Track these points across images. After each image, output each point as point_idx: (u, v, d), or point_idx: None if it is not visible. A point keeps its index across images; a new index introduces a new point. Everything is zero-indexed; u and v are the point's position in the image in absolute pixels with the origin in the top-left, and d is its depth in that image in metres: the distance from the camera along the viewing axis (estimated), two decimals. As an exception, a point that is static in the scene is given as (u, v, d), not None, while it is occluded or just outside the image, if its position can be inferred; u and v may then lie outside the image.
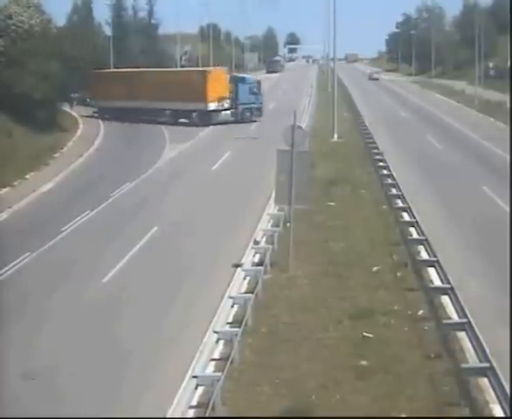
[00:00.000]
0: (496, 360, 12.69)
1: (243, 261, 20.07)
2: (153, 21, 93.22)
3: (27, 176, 36.20)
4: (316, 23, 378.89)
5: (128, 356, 15.18)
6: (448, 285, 16.79)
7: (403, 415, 12.34)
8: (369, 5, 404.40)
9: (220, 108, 55.36)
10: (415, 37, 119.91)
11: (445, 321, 15.41)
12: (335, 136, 45.67)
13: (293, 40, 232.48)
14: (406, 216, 24.27)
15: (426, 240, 20.66)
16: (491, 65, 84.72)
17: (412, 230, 22.60)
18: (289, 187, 19.94)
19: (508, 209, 24.91)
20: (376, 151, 37.56)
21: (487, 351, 13.05)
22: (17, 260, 21.97)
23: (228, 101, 55.66)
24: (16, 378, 14.33)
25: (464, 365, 13.51)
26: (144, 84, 58.38)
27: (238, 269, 19.16)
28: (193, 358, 13.86)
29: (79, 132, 53.79)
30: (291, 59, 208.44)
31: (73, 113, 60.68)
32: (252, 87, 57.12)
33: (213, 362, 14.26)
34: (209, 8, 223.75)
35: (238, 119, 55.57)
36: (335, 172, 32.78)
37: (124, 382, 14.13)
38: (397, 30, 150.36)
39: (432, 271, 18.84)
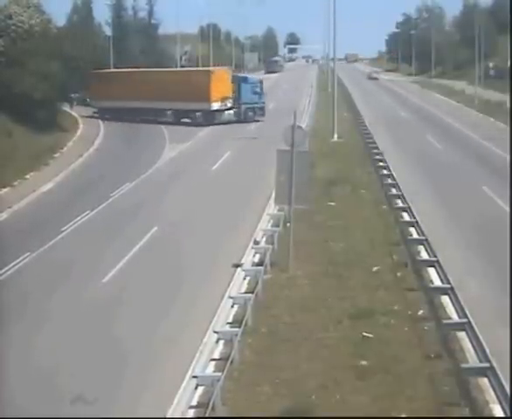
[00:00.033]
0: (496, 360, 12.70)
1: (243, 261, 20.07)
2: (153, 21, 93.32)
3: (27, 176, 36.21)
4: (316, 23, 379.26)
5: (128, 356, 15.18)
6: (448, 285, 16.79)
7: (403, 415, 12.34)
8: (369, 5, 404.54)
9: (223, 108, 55.50)
10: (415, 37, 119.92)
11: (445, 321, 15.42)
12: (335, 136, 45.68)
13: (293, 40, 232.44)
14: (406, 216, 24.27)
15: (426, 240, 20.67)
16: (491, 65, 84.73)
17: (412, 230, 22.61)
18: (289, 187, 19.94)
19: (508, 209, 24.91)
20: (376, 151, 37.57)
21: (487, 351, 13.05)
22: (17, 260, 21.98)
23: (231, 101, 55.80)
24: (16, 378, 14.33)
25: (464, 365, 13.51)
26: (146, 84, 58.29)
27: (238, 269, 19.16)
28: (193, 358, 13.87)
29: (79, 132, 53.78)
30: (291, 59, 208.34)
31: (73, 114, 60.66)
32: (255, 87, 57.31)
33: (213, 362, 14.26)
34: (209, 8, 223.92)
35: (241, 118, 55.69)
36: (335, 172, 32.78)
37: (124, 382, 14.13)
38: (397, 30, 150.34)
39: (432, 271, 18.84)
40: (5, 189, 33.49)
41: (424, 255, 20.22)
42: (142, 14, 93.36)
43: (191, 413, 12.52)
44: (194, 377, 12.85)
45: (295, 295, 18.19)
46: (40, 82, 46.24)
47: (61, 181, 36.18)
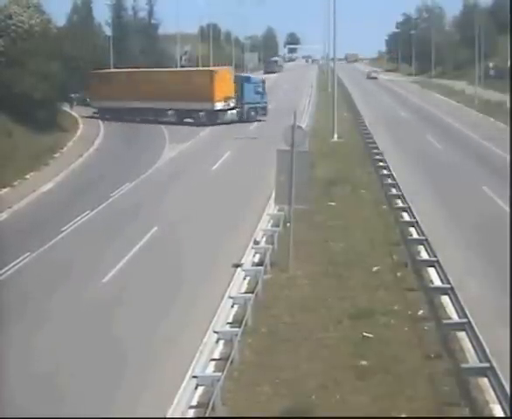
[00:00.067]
0: (496, 360, 12.70)
1: (243, 261, 20.07)
2: (153, 21, 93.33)
3: (27, 176, 36.22)
4: (316, 23, 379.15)
5: (128, 356, 15.18)
6: (448, 285, 16.79)
7: (403, 415, 12.34)
8: (369, 5, 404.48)
9: (226, 108, 55.66)
10: (415, 37, 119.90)
11: (445, 321, 15.42)
12: (335, 136, 45.68)
13: (293, 40, 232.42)
14: (406, 216, 24.28)
15: (426, 240, 20.67)
16: (491, 65, 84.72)
17: (412, 229, 22.61)
18: (289, 187, 19.94)
19: (508, 209, 24.91)
20: (376, 151, 37.58)
21: (487, 351, 13.05)
22: (17, 260, 21.98)
23: (233, 101, 55.96)
24: (16, 378, 14.33)
25: (464, 365, 13.51)
26: (148, 84, 58.25)
27: (238, 269, 19.16)
28: (193, 358, 13.87)
29: (79, 132, 53.79)
30: (291, 59, 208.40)
31: (73, 114, 60.66)
32: (257, 87, 57.56)
33: (213, 362, 14.26)
34: (209, 8, 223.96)
35: (244, 118, 55.91)
36: (335, 172, 32.78)
37: (124, 382, 14.13)
38: (397, 30, 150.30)
39: (432, 271, 18.84)
40: (5, 189, 33.50)
41: (424, 255, 20.22)
42: (142, 14, 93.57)
43: (191, 413, 12.52)
44: (194, 377, 12.86)
45: (295, 295, 18.19)
46: (40, 82, 46.25)
47: (61, 181, 36.18)
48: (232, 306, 16.78)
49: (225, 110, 55.59)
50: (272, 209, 25.03)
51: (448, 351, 14.44)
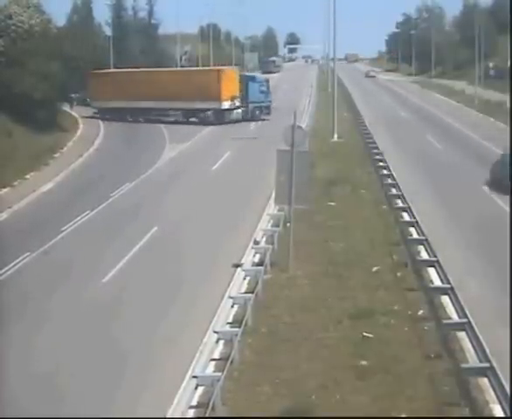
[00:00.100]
0: (496, 360, 12.70)
1: (243, 261, 20.08)
2: (153, 21, 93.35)
3: (27, 176, 36.22)
4: (316, 23, 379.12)
5: (128, 356, 15.18)
6: (448, 285, 16.80)
7: (403, 415, 12.34)
8: (369, 5, 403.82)
9: (233, 107, 56.00)
10: (415, 37, 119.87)
11: (445, 321, 15.42)
12: (335, 136, 45.68)
13: (293, 40, 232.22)
14: (406, 216, 24.28)
15: (426, 240, 20.67)
16: (491, 65, 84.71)
17: (412, 229, 22.61)
18: (289, 187, 19.94)
19: (508, 209, 24.92)
20: (376, 151, 37.59)
21: (487, 351, 13.06)
22: (17, 260, 21.98)
23: (239, 100, 56.22)
24: (16, 378, 14.34)
25: (464, 365, 13.52)
26: (153, 83, 58.15)
27: (238, 269, 19.17)
28: (193, 358, 13.87)
29: (79, 132, 53.78)
30: (291, 59, 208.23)
31: (73, 114, 60.64)
32: (262, 86, 58.22)
33: (213, 362, 14.26)
34: (209, 8, 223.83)
35: (249, 117, 56.34)
36: (335, 172, 32.79)
37: (124, 382, 14.14)
38: (397, 30, 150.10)
39: (432, 271, 18.84)
40: (5, 189, 33.50)
41: (424, 255, 20.22)
42: (142, 14, 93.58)
43: (191, 413, 12.52)
44: (194, 377, 12.86)
45: (295, 295, 18.19)
46: (40, 82, 46.25)
47: (61, 181, 36.18)
48: (232, 306, 16.79)
49: (232, 109, 56.00)
50: (272, 208, 25.03)
51: (448, 351, 14.44)
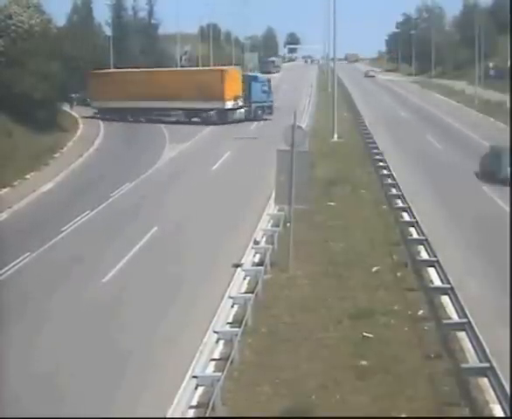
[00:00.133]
0: (496, 360, 12.70)
1: (243, 261, 20.08)
2: (153, 21, 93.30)
3: (27, 176, 36.22)
4: (316, 23, 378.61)
5: (128, 356, 15.19)
6: (448, 285, 16.80)
7: (403, 415, 12.34)
8: (369, 5, 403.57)
9: (236, 107, 56.15)
10: (415, 37, 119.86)
11: (445, 321, 15.42)
12: (335, 136, 45.69)
13: (293, 40, 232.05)
14: (406, 216, 24.28)
15: (426, 240, 20.67)
16: (491, 65, 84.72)
17: (412, 229, 22.61)
18: (289, 187, 19.94)
19: (508, 209, 24.92)
20: (376, 151, 37.59)
21: (487, 351, 13.06)
22: (17, 260, 21.98)
23: (242, 100, 56.36)
24: (16, 378, 14.34)
25: (464, 365, 13.52)
26: (154, 83, 58.12)
27: (238, 269, 19.17)
28: (193, 358, 13.87)
29: (79, 132, 53.78)
30: (291, 59, 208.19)
31: (73, 114, 60.63)
32: (264, 86, 58.49)
33: (213, 362, 14.27)
34: (209, 8, 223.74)
35: (251, 117, 56.49)
36: (335, 172, 32.79)
37: (124, 382, 14.14)
38: (397, 30, 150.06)
39: (432, 271, 18.84)
40: (5, 189, 33.50)
41: (424, 255, 20.22)
42: (142, 14, 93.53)
43: (191, 413, 12.52)
44: (194, 377, 12.86)
45: (295, 295, 18.19)
46: (40, 82, 46.23)
47: (61, 181, 36.18)
48: (232, 306, 16.79)
49: (235, 109, 56.13)
50: (272, 209, 25.03)
51: (448, 351, 14.44)
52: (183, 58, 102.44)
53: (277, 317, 16.79)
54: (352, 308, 16.93)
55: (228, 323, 16.07)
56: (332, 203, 27.49)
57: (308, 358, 14.56)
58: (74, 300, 18.68)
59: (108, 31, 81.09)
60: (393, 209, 25.75)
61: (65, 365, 14.97)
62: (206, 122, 55.01)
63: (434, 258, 19.04)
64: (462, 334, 14.69)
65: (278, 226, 22.99)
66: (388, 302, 17.30)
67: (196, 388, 12.82)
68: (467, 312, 14.94)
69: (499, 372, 12.33)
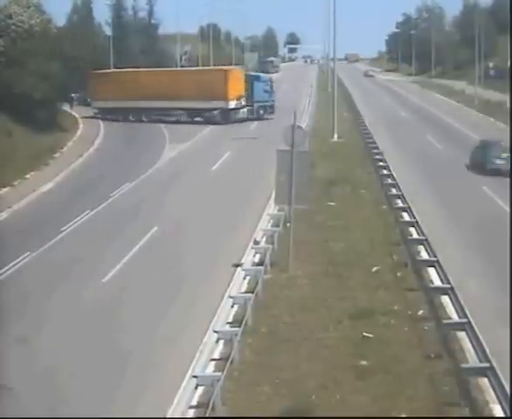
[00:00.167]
0: (496, 360, 12.70)
1: (243, 261, 20.08)
2: (153, 21, 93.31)
3: (27, 176, 36.22)
4: (316, 23, 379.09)
5: (128, 356, 15.18)
6: (448, 285, 16.80)
7: (403, 415, 12.34)
8: (369, 5, 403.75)
9: (239, 106, 56.31)
10: (415, 37, 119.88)
11: (445, 321, 15.42)
12: (335, 136, 45.69)
13: (293, 40, 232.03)
14: (406, 216, 24.28)
15: (426, 240, 20.67)
16: (491, 65, 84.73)
17: (412, 229, 22.61)
18: (289, 187, 19.94)
19: (508, 208, 24.92)
20: (376, 151, 37.59)
21: (487, 351, 13.06)
22: (17, 260, 21.98)
23: (244, 99, 56.51)
24: (16, 378, 14.33)
25: (464, 365, 13.52)
26: (157, 83, 58.03)
27: (238, 269, 19.17)
28: (193, 358, 13.87)
29: (79, 132, 53.77)
30: (291, 59, 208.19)
31: (73, 114, 60.63)
32: (266, 85, 58.79)
33: (213, 362, 14.26)
34: (209, 8, 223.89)
35: (254, 116, 56.65)
36: (335, 172, 32.78)
37: (124, 382, 14.14)
38: (397, 30, 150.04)
39: (432, 271, 18.84)
40: (5, 189, 33.51)
41: (424, 255, 20.22)
42: (142, 14, 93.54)
43: (191, 413, 12.52)
44: (194, 377, 12.86)
45: (295, 295, 18.19)
46: (40, 82, 46.23)
47: (61, 181, 36.18)
48: (232, 306, 16.78)
49: (238, 108, 56.25)
50: (272, 209, 25.03)
51: (448, 351, 14.44)
52: (183, 58, 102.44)
53: (277, 317, 16.79)
54: (352, 308, 16.93)
55: (228, 323, 16.07)
56: (332, 203, 27.49)
57: (308, 358, 14.56)
58: (74, 300, 18.67)
59: (108, 31, 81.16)
60: (393, 209, 25.75)
61: (65, 365, 14.97)
62: (209, 122, 55.09)
63: (434, 258, 19.04)
64: (462, 334, 14.69)
65: (278, 226, 22.99)
66: (388, 302, 17.30)
67: (196, 388, 12.82)
68: (467, 312, 14.93)
69: (499, 372, 12.33)
